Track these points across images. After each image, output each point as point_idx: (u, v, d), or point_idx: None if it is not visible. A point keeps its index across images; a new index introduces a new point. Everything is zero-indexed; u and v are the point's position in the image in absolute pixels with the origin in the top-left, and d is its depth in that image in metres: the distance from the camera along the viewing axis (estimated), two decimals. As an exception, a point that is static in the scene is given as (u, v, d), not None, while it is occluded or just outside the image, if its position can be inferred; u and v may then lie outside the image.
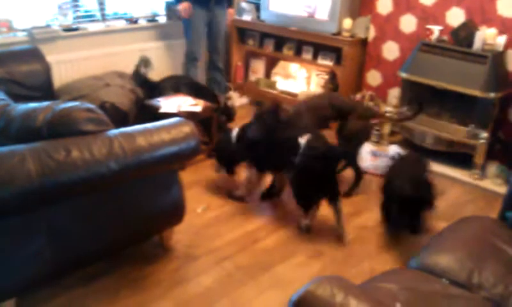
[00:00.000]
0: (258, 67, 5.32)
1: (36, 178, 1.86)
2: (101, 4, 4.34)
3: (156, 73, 4.33)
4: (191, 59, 4.46)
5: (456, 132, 3.81)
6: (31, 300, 2.24)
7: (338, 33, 4.47)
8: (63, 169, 1.93)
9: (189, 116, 3.54)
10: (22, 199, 1.85)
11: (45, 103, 2.13)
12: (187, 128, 2.36)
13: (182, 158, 2.39)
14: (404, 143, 4.13)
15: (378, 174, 3.74)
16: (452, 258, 2.04)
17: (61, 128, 2.06)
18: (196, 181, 3.47)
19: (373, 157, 3.82)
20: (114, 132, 2.18)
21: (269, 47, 5.08)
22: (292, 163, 2.82)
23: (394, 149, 3.85)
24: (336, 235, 2.90)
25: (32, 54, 3.39)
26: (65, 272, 2.29)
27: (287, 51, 4.95)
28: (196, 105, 3.67)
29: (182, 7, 4.22)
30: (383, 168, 3.70)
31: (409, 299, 1.74)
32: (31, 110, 2.09)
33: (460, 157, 3.85)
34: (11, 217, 1.93)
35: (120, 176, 2.12)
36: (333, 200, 2.87)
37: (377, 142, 4.17)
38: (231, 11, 4.63)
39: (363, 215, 3.23)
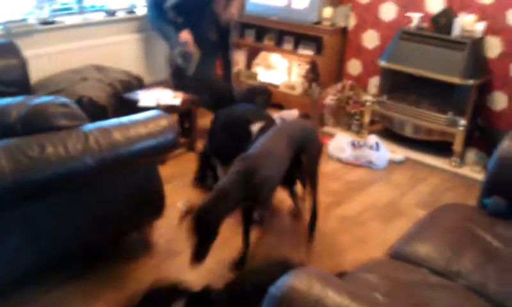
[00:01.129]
0: (239, 58, 5.27)
1: (10, 175, 1.82)
2: (78, -4, 4.27)
3: (139, 68, 4.28)
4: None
5: (435, 119, 3.84)
6: (13, 301, 2.18)
7: (319, 22, 4.45)
8: (37, 165, 1.89)
9: (169, 109, 3.51)
10: (-5, 197, 1.82)
11: (19, 99, 2.10)
12: (165, 121, 2.34)
13: (160, 152, 2.37)
14: (383, 132, 4.15)
15: (358, 164, 3.76)
16: (431, 247, 2.05)
17: (35, 124, 2.02)
18: (177, 174, 3.44)
19: (353, 147, 3.83)
20: (89, 126, 2.14)
21: (250, 37, 5.05)
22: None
23: (374, 139, 3.87)
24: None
25: (8, 49, 3.31)
26: (44, 272, 2.26)
27: (267, 41, 4.93)
28: (175, 97, 3.63)
29: (185, 37, 3.91)
30: (363, 158, 3.74)
31: (389, 289, 1.75)
32: (4, 106, 2.05)
33: (439, 145, 3.89)
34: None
35: (96, 172, 2.08)
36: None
37: (357, 132, 4.19)
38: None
39: (343, 205, 3.24)
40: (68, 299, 2.27)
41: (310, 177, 2.69)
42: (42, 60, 3.76)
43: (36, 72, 3.62)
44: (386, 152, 3.83)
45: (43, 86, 3.54)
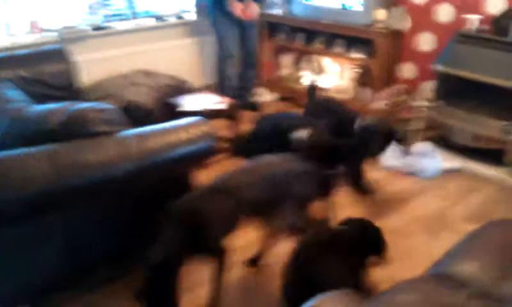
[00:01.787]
0: (288, 62, 5.22)
1: (51, 181, 1.87)
2: (130, 2, 4.37)
3: (187, 73, 4.33)
4: (225, 56, 4.42)
5: (492, 127, 3.59)
6: (48, 304, 2.23)
7: (372, 25, 4.31)
8: (78, 171, 1.94)
9: (213, 113, 3.51)
10: (39, 201, 1.87)
11: (60, 105, 2.15)
12: (204, 127, 2.32)
13: (198, 159, 2.35)
14: (437, 139, 3.95)
15: (408, 172, 3.59)
16: (477, 266, 1.89)
17: (75, 130, 2.06)
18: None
19: (404, 154, 3.66)
20: (128, 132, 2.16)
21: (300, 41, 4.97)
22: None
23: (426, 146, 3.69)
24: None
25: (58, 54, 3.42)
26: (83, 276, 2.29)
27: (318, 45, 4.83)
28: (220, 102, 3.63)
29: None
30: (413, 166, 3.57)
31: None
32: (46, 111, 2.11)
33: (494, 154, 3.64)
34: (28, 220, 1.95)
35: (134, 178, 2.09)
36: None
37: (410, 139, 4.01)
38: (254, 6, 4.38)
39: (388, 215, 3.10)
40: (106, 302, 2.29)
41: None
42: (93, 65, 3.87)
43: (87, 77, 3.73)
44: (438, 160, 3.64)
45: (93, 90, 3.64)
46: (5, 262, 1.96)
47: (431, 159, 3.58)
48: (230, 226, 2.15)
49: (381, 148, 3.18)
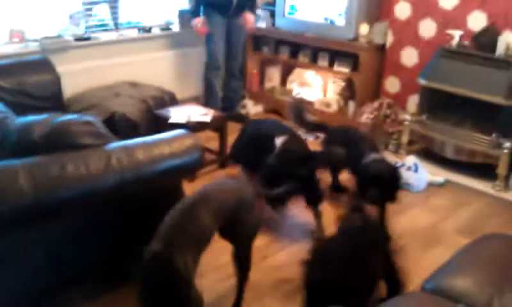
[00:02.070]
0: (273, 75, 5.22)
1: (29, 194, 1.79)
2: (114, 13, 4.32)
3: (172, 84, 4.29)
4: (213, 68, 4.40)
5: (478, 141, 3.63)
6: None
7: (355, 39, 4.34)
8: (56, 185, 1.87)
9: (200, 125, 3.47)
10: (14, 216, 1.79)
11: (43, 116, 2.08)
12: (190, 140, 2.27)
13: (185, 172, 2.31)
14: (422, 153, 3.97)
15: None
16: (470, 281, 1.89)
17: (58, 142, 2.00)
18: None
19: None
20: (113, 145, 2.10)
21: (285, 54, 4.98)
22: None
23: (412, 160, 3.70)
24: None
25: (43, 65, 3.37)
26: (65, 289, 2.22)
27: (302, 58, 4.84)
28: (206, 114, 3.59)
29: (196, 22, 4.18)
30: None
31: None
32: (29, 123, 2.04)
33: (482, 168, 3.67)
34: (5, 233, 1.88)
35: (117, 192, 2.03)
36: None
37: (395, 152, 4.03)
38: (250, 17, 4.43)
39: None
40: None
41: (240, 260, 2.21)
42: (76, 76, 3.80)
43: (70, 88, 3.66)
44: (425, 174, 3.65)
45: (77, 101, 3.58)
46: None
47: (418, 173, 3.59)
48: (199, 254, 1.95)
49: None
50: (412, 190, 3.55)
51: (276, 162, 2.84)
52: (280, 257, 2.77)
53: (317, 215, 2.93)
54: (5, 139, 2.01)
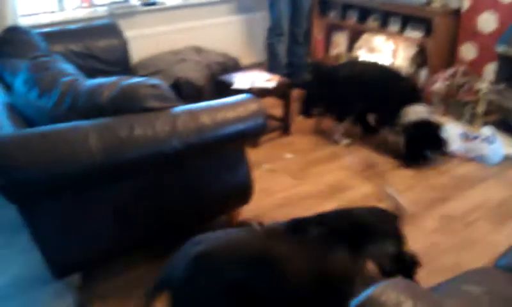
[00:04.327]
0: (340, 41, 5.05)
1: (98, 155, 1.84)
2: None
3: (236, 50, 4.25)
4: (276, 34, 4.32)
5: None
6: (98, 276, 2.26)
7: (429, 3, 4.09)
8: (125, 146, 1.90)
9: (264, 92, 3.43)
10: (84, 176, 1.84)
11: (111, 79, 2.10)
12: (254, 105, 2.24)
13: (249, 137, 2.28)
14: (499, 124, 3.72)
15: (469, 158, 3.41)
16: (549, 261, 1.76)
17: (125, 105, 2.02)
18: (268, 159, 3.35)
19: (464, 139, 3.47)
20: (178, 109, 2.10)
21: (352, 18, 4.79)
22: None
23: (488, 131, 3.47)
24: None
25: (110, 29, 3.42)
26: (131, 250, 2.29)
27: (371, 23, 4.64)
28: (269, 81, 3.53)
29: None
30: (475, 151, 3.39)
31: (493, 306, 1.52)
32: (97, 86, 2.07)
33: None
34: (77, 194, 1.94)
35: (183, 155, 2.05)
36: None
37: (470, 123, 3.80)
38: None
39: (448, 202, 2.94)
40: (153, 277, 2.27)
41: None
42: (143, 41, 3.86)
43: (137, 53, 3.72)
44: (501, 146, 3.43)
45: (143, 66, 3.63)
46: (57, 231, 1.96)
47: (494, 145, 3.37)
48: None
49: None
50: (487, 163, 3.36)
51: None
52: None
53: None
54: (75, 101, 2.06)
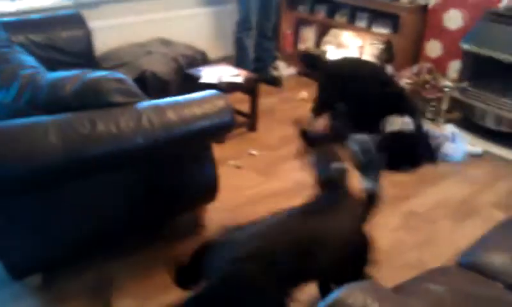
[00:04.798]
0: (308, 35, 5.06)
1: (59, 152, 1.77)
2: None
3: (204, 43, 4.20)
4: (245, 28, 4.28)
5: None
6: (60, 276, 2.20)
7: (397, -1, 4.15)
8: (87, 143, 1.84)
9: (230, 87, 3.40)
10: (44, 174, 1.78)
11: (74, 73, 2.04)
12: (222, 102, 2.21)
13: (215, 134, 2.25)
14: (462, 122, 3.81)
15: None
16: (508, 258, 1.81)
17: (88, 99, 1.96)
18: (234, 156, 3.33)
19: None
20: (143, 104, 2.05)
21: (321, 13, 4.80)
22: None
23: (450, 129, 3.55)
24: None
25: (74, 20, 3.32)
26: (94, 249, 2.24)
27: (339, 18, 4.66)
28: (237, 75, 3.51)
29: None
30: (437, 149, 3.45)
31: (456, 304, 1.54)
32: (59, 79, 2.00)
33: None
34: (37, 192, 1.88)
35: (147, 152, 2.00)
36: None
37: (433, 120, 3.88)
38: None
39: (411, 199, 2.99)
40: (121, 272, 2.25)
41: None
42: (108, 32, 3.75)
43: (102, 44, 3.62)
44: (463, 144, 3.50)
45: (107, 58, 3.54)
46: (15, 231, 1.90)
47: (456, 143, 3.45)
48: None
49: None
50: (449, 160, 3.43)
51: None
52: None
53: None
54: (36, 95, 1.98)
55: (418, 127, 3.28)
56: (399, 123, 3.20)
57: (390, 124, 3.21)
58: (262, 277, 1.57)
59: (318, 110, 3.56)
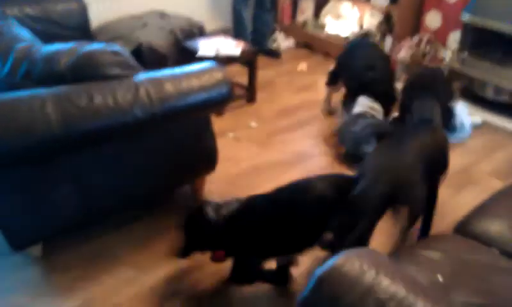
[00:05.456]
0: (306, 7, 4.99)
1: (56, 125, 1.77)
2: None
3: (201, 15, 4.15)
4: None
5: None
6: (60, 246, 2.22)
7: (395, -32, 4.09)
8: (84, 115, 1.83)
9: (228, 59, 3.37)
10: (42, 147, 1.78)
11: (70, 45, 2.02)
12: (219, 74, 2.19)
13: (213, 106, 2.24)
14: (461, 92, 3.80)
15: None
16: (504, 225, 1.83)
17: (84, 72, 1.95)
18: (233, 128, 3.32)
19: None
20: (141, 77, 2.04)
21: (320, -16, 4.75)
22: None
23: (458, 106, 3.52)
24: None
25: (69, -8, 3.27)
26: (93, 220, 2.26)
27: (338, -11, 4.61)
28: (236, 47, 3.47)
29: None
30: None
31: (453, 270, 1.57)
32: (55, 52, 1.98)
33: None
34: (35, 165, 1.88)
35: (145, 125, 1.99)
36: None
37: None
38: None
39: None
40: (116, 247, 2.27)
41: None
42: (104, 4, 3.70)
43: (97, 17, 3.57)
44: (463, 114, 3.49)
45: (103, 31, 3.50)
46: (15, 202, 1.90)
47: (463, 121, 3.43)
48: None
49: None
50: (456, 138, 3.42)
51: None
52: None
53: None
54: (31, 68, 1.97)
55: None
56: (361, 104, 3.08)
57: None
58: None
59: (332, 81, 3.53)
